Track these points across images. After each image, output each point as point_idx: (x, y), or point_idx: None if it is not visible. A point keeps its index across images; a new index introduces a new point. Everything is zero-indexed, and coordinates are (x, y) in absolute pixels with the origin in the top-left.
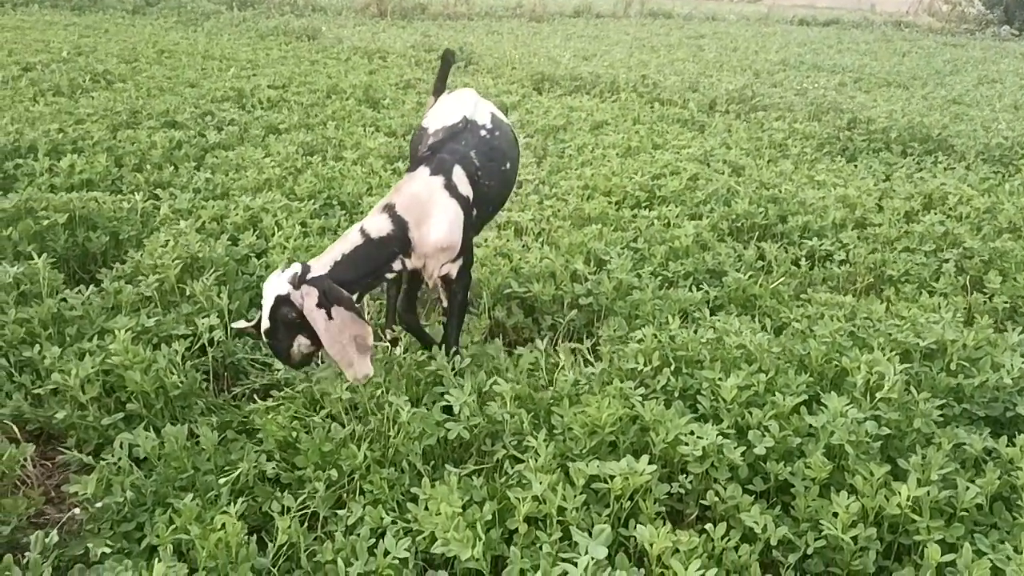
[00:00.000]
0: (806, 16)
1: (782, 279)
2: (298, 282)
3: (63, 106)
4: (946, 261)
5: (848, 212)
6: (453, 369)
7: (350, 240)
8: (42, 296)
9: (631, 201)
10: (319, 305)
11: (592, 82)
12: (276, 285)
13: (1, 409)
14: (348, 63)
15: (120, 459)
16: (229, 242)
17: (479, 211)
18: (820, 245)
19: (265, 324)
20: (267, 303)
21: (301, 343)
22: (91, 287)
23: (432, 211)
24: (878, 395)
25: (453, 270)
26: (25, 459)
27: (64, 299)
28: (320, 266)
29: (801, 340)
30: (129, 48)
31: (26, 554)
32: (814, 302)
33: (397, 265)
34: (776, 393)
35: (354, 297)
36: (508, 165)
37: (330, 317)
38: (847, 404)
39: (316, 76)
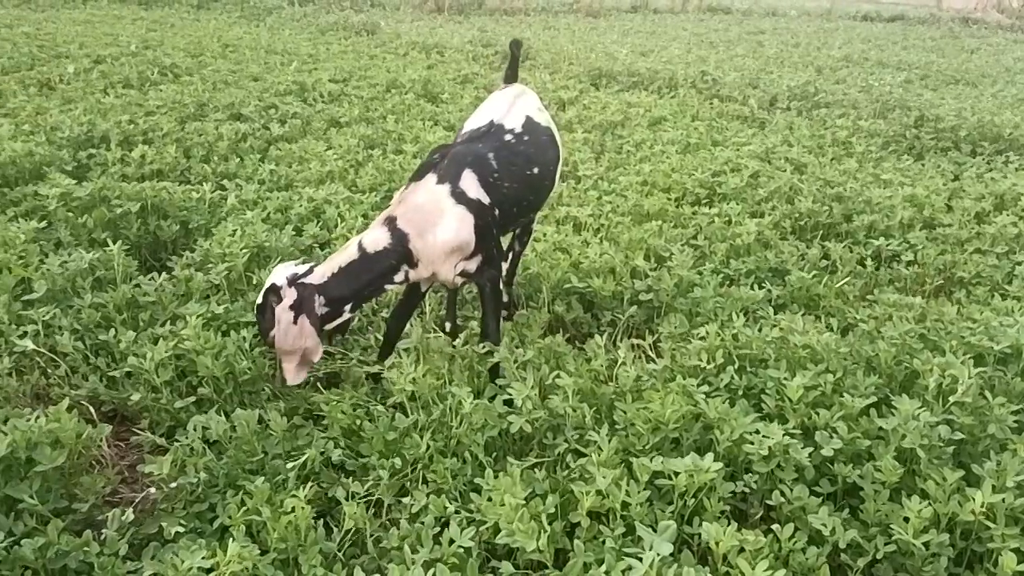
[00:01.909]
0: (870, 11)
1: (847, 279)
2: (291, 281)
3: (133, 98)
4: (1019, 263)
5: (916, 212)
6: (516, 362)
7: (348, 253)
8: (116, 282)
9: (691, 198)
10: (291, 307)
11: (650, 78)
12: (277, 275)
13: (78, 391)
14: (406, 58)
15: (193, 441)
16: (294, 232)
17: (501, 211)
18: (887, 245)
19: (259, 300)
20: (265, 285)
21: None
22: (163, 274)
23: (438, 220)
24: (951, 399)
25: (470, 266)
26: (102, 439)
27: (138, 285)
28: (318, 275)
29: (869, 341)
30: (195, 42)
31: (103, 531)
32: (881, 303)
33: (399, 277)
34: (844, 394)
35: (348, 307)
36: (535, 170)
37: (295, 322)
38: (919, 407)
39: (375, 71)
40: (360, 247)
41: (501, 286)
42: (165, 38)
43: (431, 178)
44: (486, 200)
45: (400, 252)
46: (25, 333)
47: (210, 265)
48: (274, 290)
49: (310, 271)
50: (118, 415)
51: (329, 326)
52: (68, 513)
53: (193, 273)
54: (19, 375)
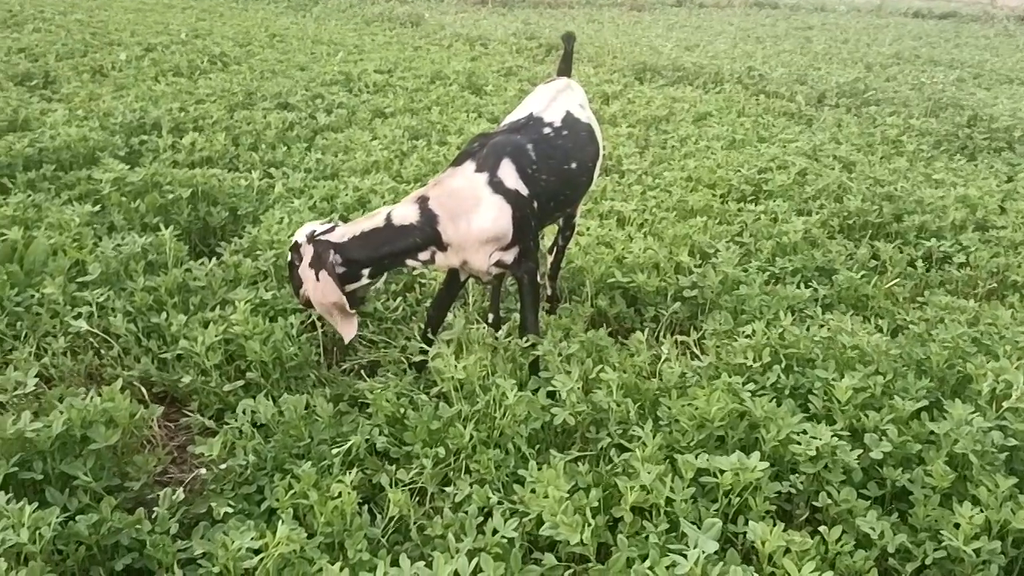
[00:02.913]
0: (921, 8)
1: (896, 280)
2: (309, 238)
3: (183, 86)
4: None
5: (968, 213)
6: (560, 355)
7: (374, 221)
8: (168, 266)
9: (736, 194)
10: (311, 265)
11: (695, 73)
12: (300, 232)
13: (130, 372)
14: (451, 49)
15: (242, 424)
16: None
17: (538, 204)
18: (938, 246)
19: (288, 257)
20: (292, 242)
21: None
22: (212, 260)
23: (472, 208)
24: (1004, 404)
25: (507, 257)
26: (153, 420)
27: (188, 270)
28: (339, 235)
29: (920, 344)
30: (243, 32)
31: (154, 510)
32: (932, 305)
33: (424, 255)
34: (894, 397)
35: (366, 273)
36: (574, 165)
37: (318, 279)
38: (971, 412)
39: (420, 62)
40: (388, 218)
41: (539, 279)
42: (214, 27)
43: (469, 165)
44: (525, 191)
45: (427, 233)
46: (80, 314)
47: (258, 252)
48: (296, 249)
49: (331, 229)
50: (168, 397)
51: (350, 287)
52: (120, 491)
53: (242, 259)
54: (74, 355)
